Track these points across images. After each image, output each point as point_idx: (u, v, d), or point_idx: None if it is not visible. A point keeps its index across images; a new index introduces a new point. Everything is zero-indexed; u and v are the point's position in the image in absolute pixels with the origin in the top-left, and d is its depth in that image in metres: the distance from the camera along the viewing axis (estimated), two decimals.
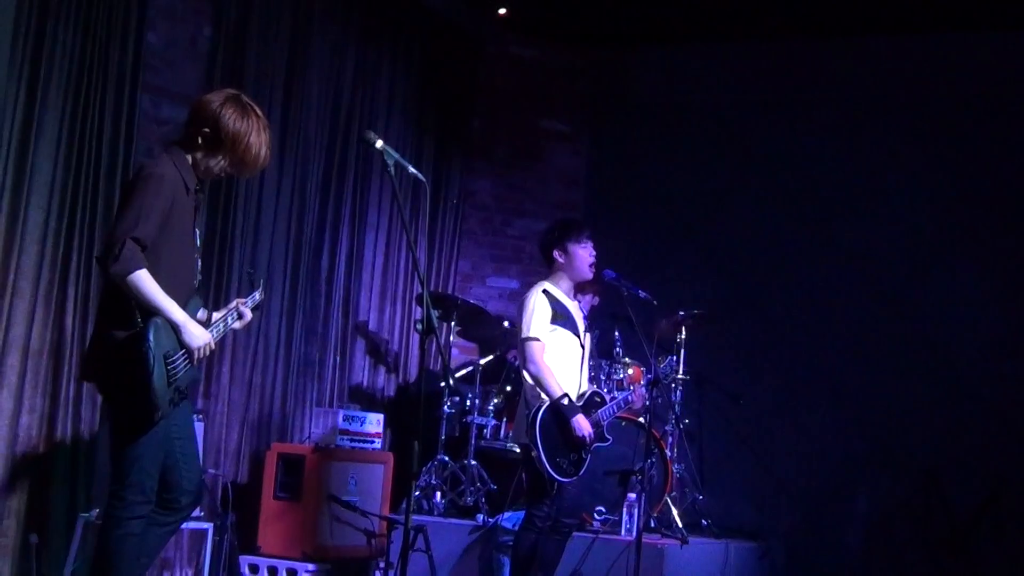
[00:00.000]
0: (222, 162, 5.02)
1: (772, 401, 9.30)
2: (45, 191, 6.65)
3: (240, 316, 5.26)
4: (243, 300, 5.32)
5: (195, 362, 4.91)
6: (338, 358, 8.85)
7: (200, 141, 4.96)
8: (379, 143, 5.01)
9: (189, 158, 4.98)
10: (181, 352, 4.83)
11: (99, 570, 4.84)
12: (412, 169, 5.10)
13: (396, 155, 5.05)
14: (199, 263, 5.12)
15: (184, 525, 6.84)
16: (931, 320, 9.02)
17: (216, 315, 5.22)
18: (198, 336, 4.87)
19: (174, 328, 4.80)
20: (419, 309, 9.16)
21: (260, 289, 5.42)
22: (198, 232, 5.10)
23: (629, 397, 7.07)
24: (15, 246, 6.49)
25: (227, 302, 5.31)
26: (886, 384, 9.04)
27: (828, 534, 9.02)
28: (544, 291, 6.77)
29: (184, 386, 4.89)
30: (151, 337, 4.69)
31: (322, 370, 8.69)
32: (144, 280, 4.68)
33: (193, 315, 4.94)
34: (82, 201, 6.83)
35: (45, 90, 6.60)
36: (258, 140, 5.00)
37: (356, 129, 8.81)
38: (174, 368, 4.78)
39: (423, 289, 5.11)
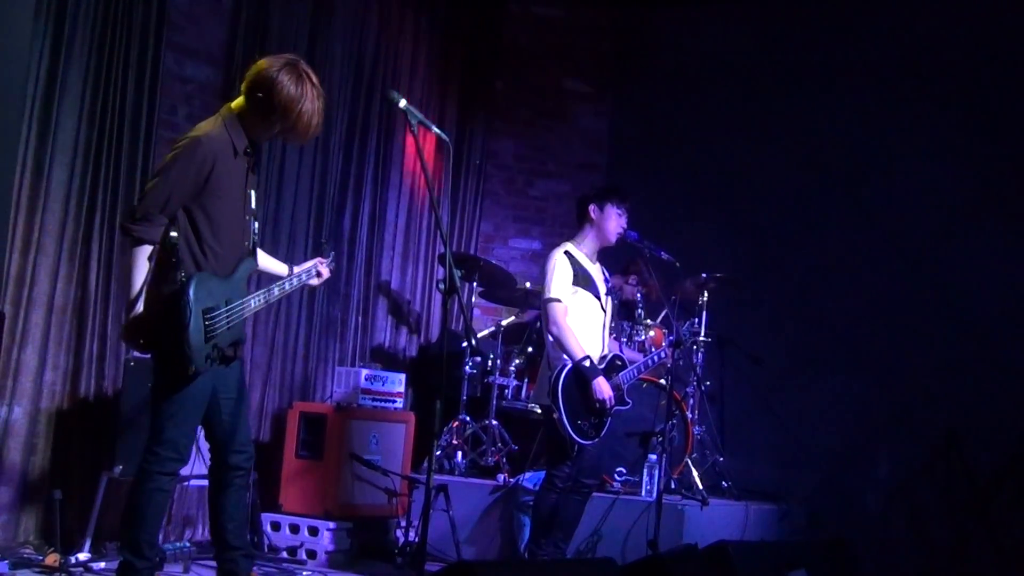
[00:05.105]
0: (274, 128, 5.03)
1: (793, 363, 9.27)
2: (69, 148, 6.67)
3: (318, 274, 5.50)
4: (323, 260, 5.54)
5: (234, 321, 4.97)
6: (360, 318, 8.86)
7: (253, 105, 4.97)
8: (402, 102, 5.00)
9: (241, 121, 4.99)
10: (223, 310, 4.86)
11: (128, 523, 4.92)
12: (435, 129, 5.09)
13: (419, 115, 5.03)
14: (255, 225, 5.12)
15: (205, 483, 6.91)
16: (954, 282, 8.96)
17: (297, 268, 5.44)
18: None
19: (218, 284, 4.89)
20: (441, 269, 9.16)
21: (331, 257, 5.63)
22: (252, 193, 5.10)
23: (650, 361, 7.05)
24: (39, 203, 6.52)
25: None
26: (908, 346, 9.00)
27: (848, 496, 9.01)
28: (566, 252, 6.77)
29: (226, 344, 4.91)
30: (191, 292, 4.74)
31: (344, 330, 8.71)
32: (139, 257, 4.81)
33: (245, 276, 5.00)
34: (106, 158, 6.85)
35: (69, 47, 6.60)
36: (311, 108, 4.99)
37: (379, 88, 8.79)
38: (213, 324, 4.81)
39: (446, 249, 5.10)
